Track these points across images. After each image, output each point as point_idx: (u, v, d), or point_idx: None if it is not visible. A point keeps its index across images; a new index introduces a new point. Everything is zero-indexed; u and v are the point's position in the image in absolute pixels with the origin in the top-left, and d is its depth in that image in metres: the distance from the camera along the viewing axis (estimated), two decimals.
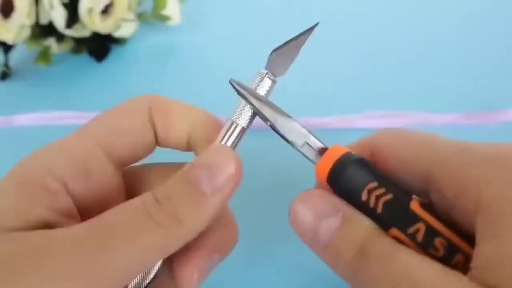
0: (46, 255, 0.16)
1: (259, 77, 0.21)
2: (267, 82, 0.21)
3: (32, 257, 0.16)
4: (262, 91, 0.21)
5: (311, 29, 0.21)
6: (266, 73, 0.21)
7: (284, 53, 0.21)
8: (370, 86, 0.44)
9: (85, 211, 0.20)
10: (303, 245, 0.30)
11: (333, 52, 0.48)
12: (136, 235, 0.17)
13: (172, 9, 0.52)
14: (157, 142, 0.23)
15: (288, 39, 0.21)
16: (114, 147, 0.22)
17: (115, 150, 0.22)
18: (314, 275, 0.29)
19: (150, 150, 0.23)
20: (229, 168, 0.19)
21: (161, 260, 0.21)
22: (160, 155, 0.24)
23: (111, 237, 0.17)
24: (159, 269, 0.21)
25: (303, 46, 0.21)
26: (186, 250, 0.20)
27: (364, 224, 0.18)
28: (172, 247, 0.18)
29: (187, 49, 0.51)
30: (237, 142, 0.21)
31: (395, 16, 0.53)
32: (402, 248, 0.17)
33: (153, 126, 0.22)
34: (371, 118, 0.39)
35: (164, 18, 0.51)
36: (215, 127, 0.22)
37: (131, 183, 0.23)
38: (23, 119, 0.43)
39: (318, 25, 0.21)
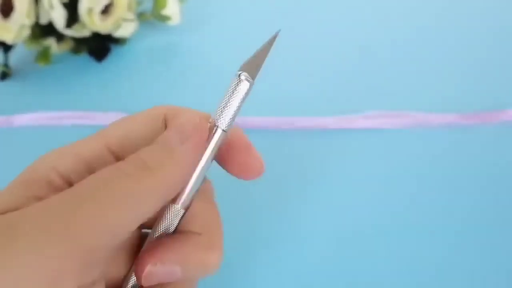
0: (21, 225, 0.17)
1: (236, 81, 0.21)
2: (245, 85, 0.21)
3: (8, 229, 0.17)
4: (239, 95, 0.21)
5: (273, 39, 0.22)
6: (240, 74, 0.21)
7: (251, 66, 0.22)
8: (369, 86, 0.44)
9: None
10: (304, 246, 0.31)
11: (332, 52, 0.48)
12: (105, 188, 0.18)
13: (172, 9, 0.52)
14: None
15: (254, 52, 0.22)
16: (125, 151, 0.22)
17: (126, 154, 0.22)
18: (315, 275, 0.29)
19: None
20: (192, 120, 0.20)
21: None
22: None
23: (82, 194, 0.18)
24: None
25: (267, 57, 0.22)
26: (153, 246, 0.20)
27: None
28: (149, 197, 0.18)
29: (187, 49, 0.51)
30: (219, 144, 0.21)
31: (395, 16, 0.53)
32: None
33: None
34: (371, 118, 0.39)
35: (164, 18, 0.51)
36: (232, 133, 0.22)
37: None
38: (23, 119, 0.43)
39: (280, 32, 0.22)
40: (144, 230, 0.23)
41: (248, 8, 0.56)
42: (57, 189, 0.20)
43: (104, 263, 0.18)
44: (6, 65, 0.47)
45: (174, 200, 0.21)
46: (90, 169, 0.21)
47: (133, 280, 0.21)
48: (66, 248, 0.16)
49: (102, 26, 0.45)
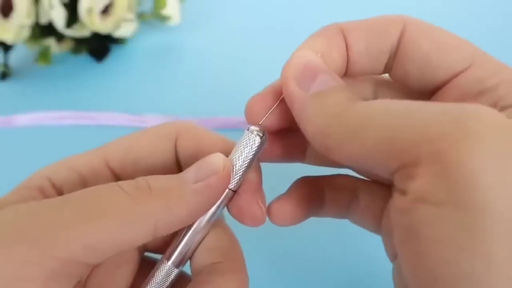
0: (4, 222, 0.16)
1: (247, 136, 0.19)
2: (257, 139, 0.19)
3: None
4: (251, 151, 0.19)
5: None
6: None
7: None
8: None
9: None
10: (303, 244, 0.30)
11: None
12: (95, 201, 0.16)
13: (172, 9, 0.52)
14: (181, 169, 0.21)
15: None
16: (126, 170, 0.21)
17: (126, 172, 0.21)
18: (314, 273, 0.29)
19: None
20: (216, 163, 0.18)
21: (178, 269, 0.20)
22: None
23: (70, 203, 0.16)
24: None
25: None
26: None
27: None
28: (141, 221, 0.17)
29: (187, 49, 0.51)
30: (225, 202, 0.20)
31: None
32: None
33: (176, 153, 0.21)
34: None
35: (164, 18, 0.51)
36: None
37: None
38: (23, 119, 0.43)
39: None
40: (146, 254, 0.23)
41: (248, 8, 0.56)
42: (47, 197, 0.19)
43: (76, 278, 0.17)
44: (6, 65, 0.47)
45: (168, 256, 0.19)
46: (84, 183, 0.20)
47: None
48: (35, 254, 0.15)
49: (102, 26, 0.45)
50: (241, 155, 0.19)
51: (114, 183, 0.17)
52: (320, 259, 0.30)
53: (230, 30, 0.53)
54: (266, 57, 0.45)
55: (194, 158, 0.20)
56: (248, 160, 0.19)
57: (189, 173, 0.18)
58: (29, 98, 0.46)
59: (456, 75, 0.19)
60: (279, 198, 0.22)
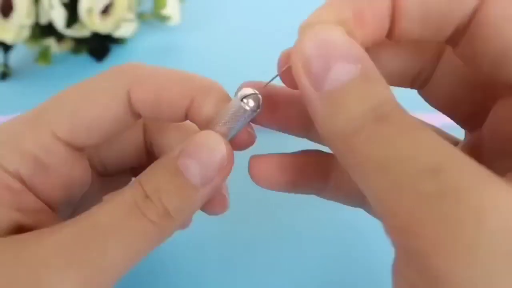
0: (37, 265, 0.16)
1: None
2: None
3: (22, 267, 0.16)
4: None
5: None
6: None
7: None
8: None
9: (51, 202, 0.20)
10: (302, 245, 0.30)
11: None
12: (128, 235, 0.17)
13: (172, 9, 0.52)
14: (138, 117, 0.21)
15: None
16: (78, 137, 0.19)
17: (79, 139, 0.19)
18: (314, 275, 0.29)
19: (127, 129, 0.21)
20: (220, 158, 0.18)
21: None
22: None
23: (101, 238, 0.17)
24: None
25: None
26: None
27: (386, 89, 0.15)
28: (161, 241, 0.18)
29: (187, 49, 0.51)
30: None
31: None
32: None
33: (134, 109, 0.20)
34: None
35: (164, 18, 0.51)
36: (220, 98, 0.19)
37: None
38: None
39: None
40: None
41: (248, 8, 0.56)
42: (18, 193, 0.18)
43: None
44: (6, 65, 0.47)
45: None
46: (39, 162, 0.19)
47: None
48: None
49: (102, 26, 0.45)
50: (229, 121, 0.18)
51: (135, 209, 0.17)
52: (320, 259, 0.30)
53: (230, 30, 0.53)
54: (266, 57, 0.45)
55: (156, 110, 0.19)
56: (235, 126, 0.19)
57: (193, 173, 0.18)
58: (29, 98, 0.45)
59: None
60: (265, 154, 0.20)
